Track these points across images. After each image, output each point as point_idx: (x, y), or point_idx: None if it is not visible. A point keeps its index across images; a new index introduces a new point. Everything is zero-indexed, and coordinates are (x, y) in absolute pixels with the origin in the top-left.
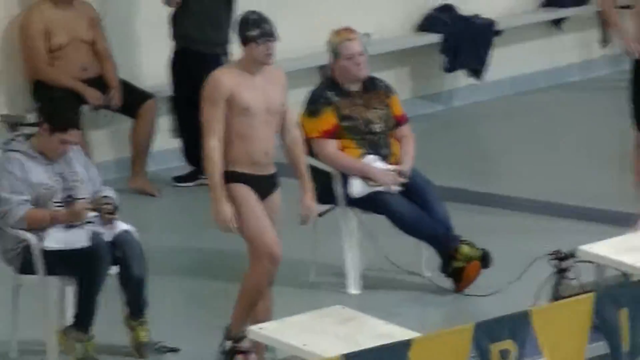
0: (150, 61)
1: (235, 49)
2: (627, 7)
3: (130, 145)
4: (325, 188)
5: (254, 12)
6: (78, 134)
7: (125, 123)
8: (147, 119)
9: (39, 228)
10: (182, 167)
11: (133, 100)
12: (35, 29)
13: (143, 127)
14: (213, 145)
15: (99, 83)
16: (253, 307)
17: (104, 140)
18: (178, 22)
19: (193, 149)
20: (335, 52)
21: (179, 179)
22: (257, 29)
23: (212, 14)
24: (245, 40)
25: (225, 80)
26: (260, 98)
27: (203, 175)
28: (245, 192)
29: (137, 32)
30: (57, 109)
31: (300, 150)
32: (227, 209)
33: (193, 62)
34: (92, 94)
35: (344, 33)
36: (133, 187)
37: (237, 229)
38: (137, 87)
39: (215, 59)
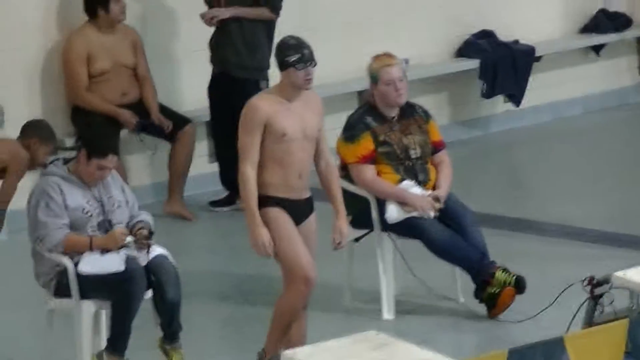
0: (189, 86)
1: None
2: None
3: (168, 170)
4: (361, 213)
5: (292, 37)
6: (115, 160)
7: (163, 147)
8: (185, 144)
9: (76, 252)
10: (219, 191)
11: (171, 124)
12: (77, 54)
13: (181, 152)
14: (248, 172)
15: (139, 107)
16: (287, 330)
17: (142, 164)
18: (217, 47)
19: (229, 174)
20: (375, 77)
21: (215, 203)
22: (296, 54)
23: (251, 38)
24: (283, 65)
25: (262, 107)
26: (297, 124)
27: (239, 200)
28: (280, 216)
29: (176, 57)
30: (95, 135)
31: (334, 175)
32: (264, 234)
33: (231, 87)
34: (127, 117)
35: (384, 58)
36: (169, 211)
37: (273, 253)
38: (176, 111)
39: (254, 84)
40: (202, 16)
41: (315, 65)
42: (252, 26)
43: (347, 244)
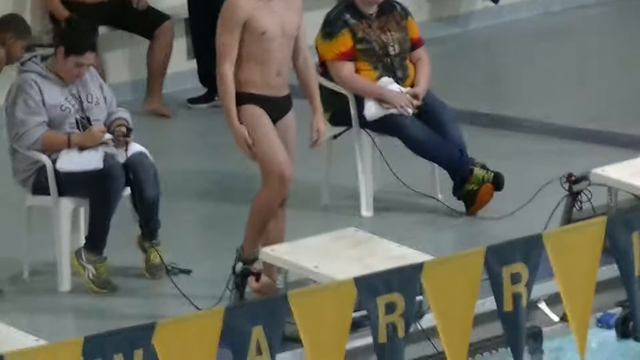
0: None
1: None
2: None
3: (146, 68)
4: (340, 110)
5: None
6: (93, 57)
7: (141, 45)
8: (163, 41)
9: (54, 150)
10: (197, 89)
11: (150, 21)
12: None
13: (159, 49)
14: (226, 71)
15: (117, 3)
16: (263, 228)
17: (120, 61)
18: None
19: (208, 71)
20: None
21: (194, 100)
22: None
23: None
24: None
25: (242, 5)
26: (277, 22)
27: (217, 97)
28: (256, 113)
29: None
30: (72, 32)
31: (312, 72)
32: (242, 130)
33: None
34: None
35: None
36: (148, 109)
37: (250, 151)
38: (154, 8)
39: None
40: None
41: None
42: None
43: (325, 141)
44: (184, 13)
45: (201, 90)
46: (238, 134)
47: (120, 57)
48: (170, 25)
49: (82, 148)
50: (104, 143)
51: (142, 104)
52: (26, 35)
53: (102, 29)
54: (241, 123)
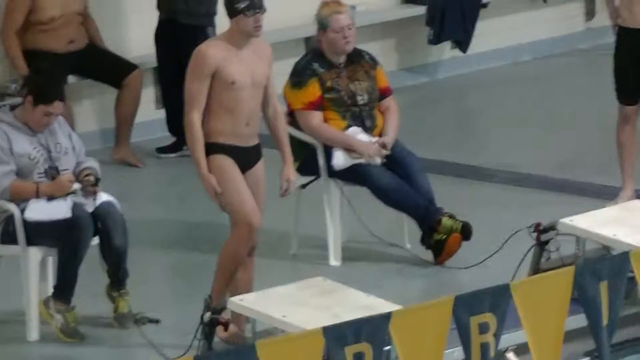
0: (135, 32)
1: (222, 21)
2: None
3: (114, 117)
4: (308, 160)
5: None
6: (62, 106)
7: (110, 94)
8: (131, 90)
9: (22, 199)
10: (166, 138)
11: (118, 70)
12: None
13: (127, 98)
14: (195, 119)
15: (85, 54)
16: (232, 277)
17: (89, 110)
18: None
19: (176, 120)
20: (324, 24)
21: (162, 150)
22: (245, 1)
23: None
24: (233, 12)
25: (211, 54)
26: (247, 72)
27: (186, 147)
28: (225, 163)
29: (122, 2)
30: (41, 81)
31: (281, 122)
32: (211, 179)
33: (178, 34)
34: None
35: (333, 5)
36: (116, 158)
37: (218, 200)
38: (122, 57)
39: (201, 31)
40: None
41: (264, 12)
42: None
43: (294, 190)
44: (153, 62)
45: (170, 140)
46: (207, 184)
47: (89, 106)
48: (139, 75)
49: (50, 197)
50: (73, 192)
51: (111, 153)
52: None
53: (71, 78)
54: (210, 172)
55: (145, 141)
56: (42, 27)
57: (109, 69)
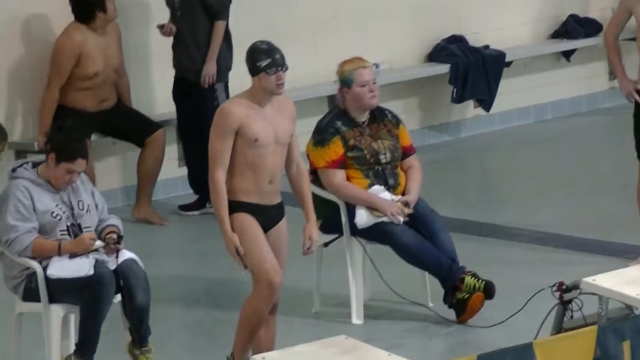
0: (160, 89)
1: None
2: (633, 39)
3: (137, 174)
4: (331, 218)
5: (263, 41)
6: (84, 163)
7: (132, 151)
8: (155, 149)
9: (44, 257)
10: (189, 195)
11: (142, 129)
12: (70, 51)
13: (150, 157)
14: (219, 178)
15: (112, 113)
16: (253, 335)
17: (111, 168)
18: (175, 51)
19: (198, 177)
20: (348, 80)
21: (185, 207)
22: (267, 59)
23: (203, 43)
24: (255, 71)
25: (234, 112)
26: (270, 129)
27: (208, 204)
28: (247, 222)
29: (147, 59)
30: (64, 138)
31: (305, 180)
32: (234, 239)
33: (189, 91)
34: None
35: (357, 61)
36: (137, 217)
37: (239, 259)
38: (146, 116)
39: (210, 87)
40: (161, 27)
41: (286, 69)
42: (203, 31)
43: (316, 248)
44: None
45: (192, 197)
46: (229, 242)
47: (112, 163)
48: (162, 134)
49: (72, 255)
50: (95, 250)
51: (132, 211)
52: (2, 138)
53: (94, 136)
54: (233, 231)
55: (169, 199)
56: (83, 83)
57: (133, 127)
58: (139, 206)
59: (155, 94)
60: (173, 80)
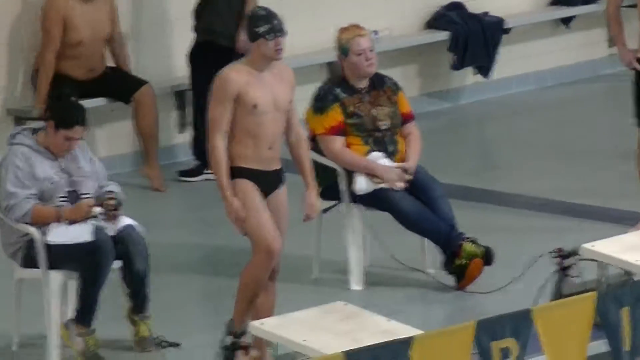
0: (176, 55)
1: None
2: (634, 5)
3: (137, 134)
4: (330, 184)
5: (262, 7)
6: (82, 130)
7: (131, 119)
8: (145, 106)
9: (43, 223)
10: (189, 163)
11: (127, 86)
12: (56, 14)
13: (143, 114)
14: (218, 144)
15: (100, 81)
16: (252, 301)
17: (111, 134)
18: (202, 16)
19: (202, 143)
20: (345, 48)
21: (185, 173)
22: (266, 25)
23: (236, 8)
24: (254, 36)
25: (234, 78)
26: (269, 96)
27: (208, 170)
28: (247, 188)
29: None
30: (62, 106)
31: (304, 147)
32: (236, 203)
33: (216, 56)
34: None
35: (354, 29)
36: (144, 174)
37: (239, 224)
38: (132, 74)
39: (240, 54)
40: None
41: (285, 35)
42: None
43: (316, 215)
44: (176, 87)
45: (192, 164)
46: (229, 207)
47: (120, 129)
48: (149, 89)
49: (71, 222)
50: (94, 216)
51: (140, 169)
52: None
53: (94, 102)
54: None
55: (168, 165)
56: (69, 51)
57: (118, 86)
58: (148, 164)
59: (173, 59)
60: (194, 44)
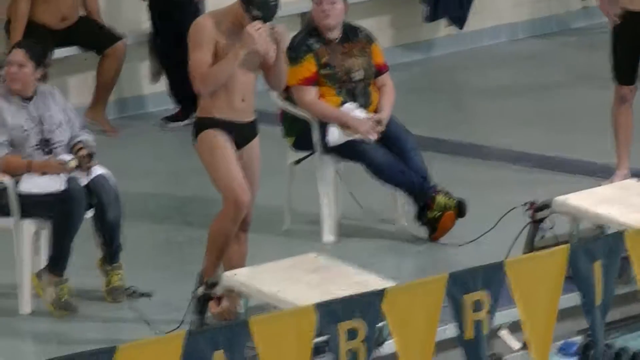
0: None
1: None
2: None
3: (96, 82)
4: (302, 135)
5: None
6: (21, 54)
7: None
8: (115, 60)
9: (14, 174)
10: (162, 112)
11: (103, 39)
12: None
13: (110, 67)
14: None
15: (74, 30)
16: (222, 252)
17: (81, 84)
18: None
19: (179, 88)
20: None
21: (171, 118)
22: (259, 11)
23: None
24: (245, 9)
25: (209, 25)
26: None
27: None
28: (217, 139)
29: None
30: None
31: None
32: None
33: (170, 7)
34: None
35: None
36: (89, 117)
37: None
38: (109, 28)
39: (193, 4)
40: None
41: (271, 20)
42: None
43: (287, 166)
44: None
45: (164, 113)
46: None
47: (83, 79)
48: (123, 45)
49: (43, 172)
50: (66, 171)
51: (86, 112)
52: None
53: (67, 51)
54: (202, 147)
55: (145, 114)
56: None
57: (94, 37)
58: (94, 110)
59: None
60: None
